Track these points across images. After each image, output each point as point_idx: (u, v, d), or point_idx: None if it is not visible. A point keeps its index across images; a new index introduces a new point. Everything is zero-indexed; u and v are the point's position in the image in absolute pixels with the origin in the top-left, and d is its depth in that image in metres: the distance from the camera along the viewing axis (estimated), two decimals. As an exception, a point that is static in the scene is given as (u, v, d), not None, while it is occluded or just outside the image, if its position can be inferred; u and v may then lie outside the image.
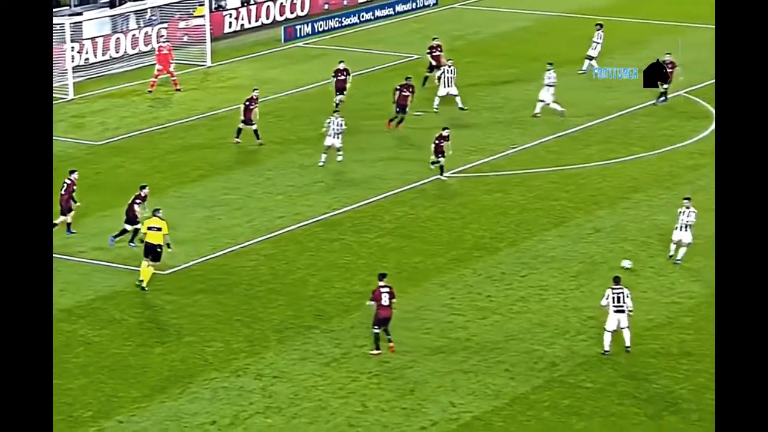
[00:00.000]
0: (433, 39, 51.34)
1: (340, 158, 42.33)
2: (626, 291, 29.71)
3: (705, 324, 31.14)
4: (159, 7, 57.34)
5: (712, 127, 45.56)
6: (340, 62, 48.19)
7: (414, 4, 63.98)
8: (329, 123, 42.15)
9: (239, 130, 44.49)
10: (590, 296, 32.72)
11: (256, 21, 61.04)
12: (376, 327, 30.04)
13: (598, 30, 52.55)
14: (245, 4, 61.39)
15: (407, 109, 45.41)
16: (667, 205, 38.26)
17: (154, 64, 51.99)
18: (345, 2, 64.39)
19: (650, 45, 53.54)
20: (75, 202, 37.18)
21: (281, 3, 62.01)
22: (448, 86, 47.19)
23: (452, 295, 33.02)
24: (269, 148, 44.63)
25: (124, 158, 43.74)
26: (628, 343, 29.65)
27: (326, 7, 63.58)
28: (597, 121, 46.22)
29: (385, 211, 38.99)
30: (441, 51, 50.43)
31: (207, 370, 29.38)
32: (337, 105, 46.52)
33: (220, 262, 35.36)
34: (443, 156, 40.75)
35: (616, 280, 29.98)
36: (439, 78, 47.54)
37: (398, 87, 45.46)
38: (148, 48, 55.36)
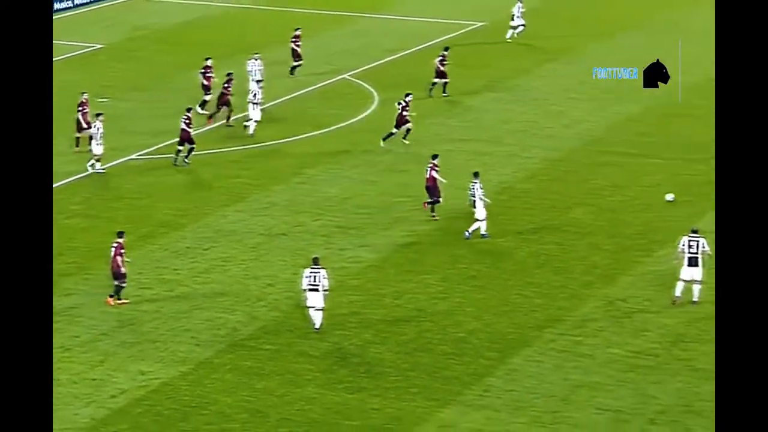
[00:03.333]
0: (296, 29, 50.17)
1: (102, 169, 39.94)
2: (323, 272, 29.29)
3: (371, 286, 32.11)
4: None
5: (374, 106, 46.85)
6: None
7: (95, -4, 62.79)
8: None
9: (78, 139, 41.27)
10: (269, 265, 33.22)
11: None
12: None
13: (519, 2, 54.12)
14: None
15: (231, 103, 43.96)
16: (335, 179, 39.25)
17: None
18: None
19: (320, 35, 54.27)
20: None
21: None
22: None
23: (140, 270, 32.85)
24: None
25: None
26: (317, 325, 29.43)
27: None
28: (273, 103, 46.65)
29: (73, 193, 38.36)
30: (299, 41, 49.71)
31: None
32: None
33: None
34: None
35: (315, 261, 29.64)
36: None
37: (223, 88, 43.82)
38: None
